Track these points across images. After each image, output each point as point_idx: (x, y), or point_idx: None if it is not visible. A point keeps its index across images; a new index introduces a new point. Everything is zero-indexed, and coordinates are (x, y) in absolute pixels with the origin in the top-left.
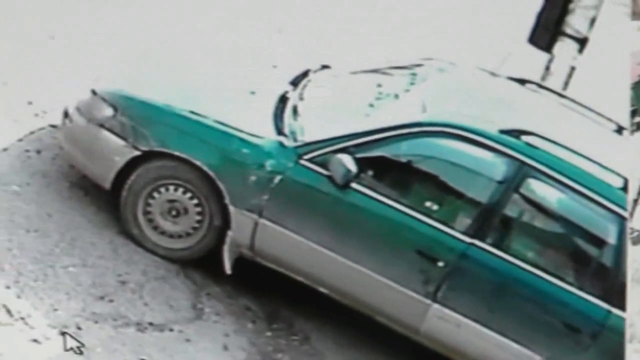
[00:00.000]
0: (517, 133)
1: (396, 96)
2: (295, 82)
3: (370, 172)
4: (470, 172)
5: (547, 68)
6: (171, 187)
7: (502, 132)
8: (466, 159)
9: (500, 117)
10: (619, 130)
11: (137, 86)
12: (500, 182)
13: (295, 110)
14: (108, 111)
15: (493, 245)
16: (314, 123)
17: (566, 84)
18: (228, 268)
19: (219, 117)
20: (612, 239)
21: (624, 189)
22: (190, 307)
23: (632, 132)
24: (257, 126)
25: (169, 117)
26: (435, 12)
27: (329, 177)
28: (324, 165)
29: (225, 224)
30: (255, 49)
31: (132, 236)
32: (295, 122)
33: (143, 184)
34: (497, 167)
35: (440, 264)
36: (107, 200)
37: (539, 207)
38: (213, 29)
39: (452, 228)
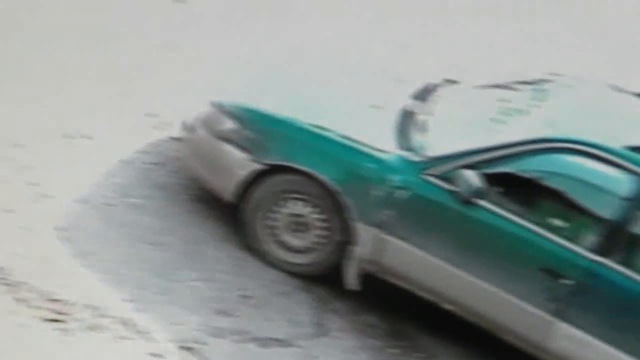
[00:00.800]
0: None
1: (522, 112)
2: (419, 97)
3: (495, 188)
4: (596, 189)
5: None
6: (295, 201)
7: (629, 148)
8: (592, 175)
9: (627, 133)
10: None
11: (260, 99)
12: (626, 199)
13: (420, 125)
14: (231, 124)
15: (619, 262)
16: (439, 138)
17: None
18: (352, 284)
19: (344, 131)
20: None
21: None
22: (313, 323)
23: None
24: (382, 141)
25: (292, 131)
26: (566, 26)
27: (454, 193)
28: (448, 180)
29: (349, 239)
30: (380, 63)
31: (254, 251)
32: (420, 137)
33: (266, 198)
34: (623, 184)
35: (566, 281)
36: (230, 214)
37: None
38: (337, 43)
39: (578, 245)
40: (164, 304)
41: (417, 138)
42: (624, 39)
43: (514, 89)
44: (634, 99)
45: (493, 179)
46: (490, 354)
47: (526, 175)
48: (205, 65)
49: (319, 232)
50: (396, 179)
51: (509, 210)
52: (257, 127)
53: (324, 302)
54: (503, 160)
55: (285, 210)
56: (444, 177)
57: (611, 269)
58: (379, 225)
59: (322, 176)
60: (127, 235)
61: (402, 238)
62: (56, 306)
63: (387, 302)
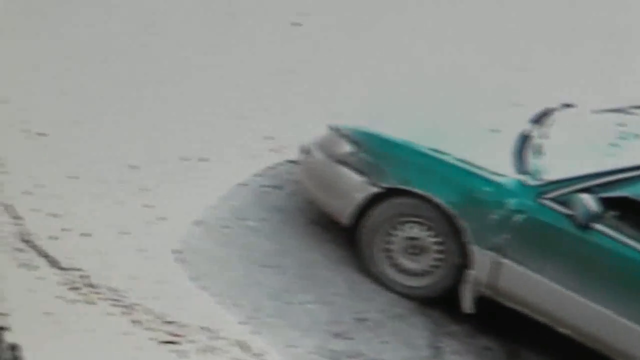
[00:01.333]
0: None
1: (639, 136)
2: (537, 120)
3: (613, 212)
4: None
5: None
6: (411, 225)
7: None
8: None
9: None
10: None
11: (377, 123)
12: None
13: (537, 149)
14: (348, 147)
15: None
16: (556, 162)
17: None
18: (468, 307)
19: (461, 154)
20: None
21: None
22: (429, 346)
23: None
24: (499, 164)
25: (410, 154)
26: None
27: (571, 217)
28: (566, 204)
29: (465, 262)
30: (498, 86)
31: (370, 273)
32: (538, 160)
33: (383, 221)
34: None
35: None
36: (346, 237)
37: None
38: (457, 65)
39: None
40: (279, 326)
41: (534, 162)
42: None
43: (631, 114)
44: None
45: (610, 203)
46: None
47: None
48: (323, 88)
49: (435, 255)
50: (513, 202)
51: (627, 235)
52: (374, 151)
53: (439, 325)
54: (621, 184)
55: (401, 233)
56: (561, 201)
57: None
58: (496, 249)
59: (438, 199)
60: (242, 257)
61: (518, 261)
62: (172, 328)
63: (502, 325)
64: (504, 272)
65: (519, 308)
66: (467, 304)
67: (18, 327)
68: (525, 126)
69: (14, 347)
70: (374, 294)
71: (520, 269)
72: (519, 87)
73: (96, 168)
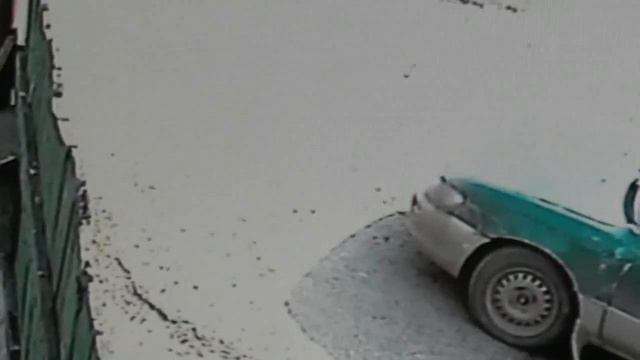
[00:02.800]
0: None
1: None
2: None
3: None
4: None
5: None
6: (520, 275)
7: None
8: None
9: None
10: None
11: (486, 173)
12: None
13: None
14: (458, 198)
15: None
16: None
17: None
18: (577, 357)
19: (569, 204)
20: None
21: None
22: None
23: None
24: (608, 214)
25: (519, 204)
26: None
27: None
28: None
29: (574, 312)
30: (606, 136)
31: (480, 324)
32: None
33: (492, 271)
34: None
35: None
36: (455, 287)
37: None
38: (565, 117)
39: None
40: None
41: None
42: None
43: None
44: None
45: None
46: None
47: None
48: (434, 139)
49: (544, 305)
50: (621, 251)
51: None
52: (483, 201)
53: None
54: None
55: (511, 284)
56: None
57: None
58: (604, 298)
59: (547, 249)
60: (353, 308)
61: (627, 311)
62: None
63: None
64: (612, 321)
65: (627, 357)
66: (576, 353)
67: None
68: (635, 175)
69: None
70: (484, 344)
71: (629, 317)
72: (629, 137)
73: (206, 221)
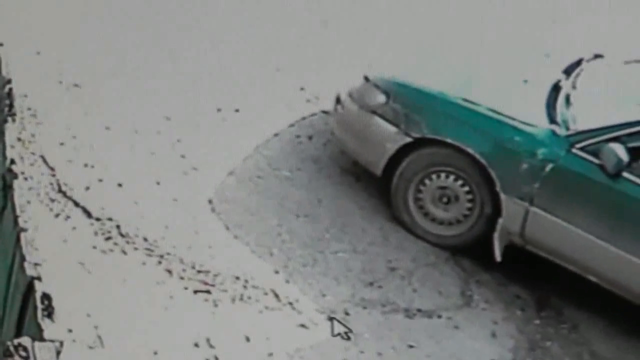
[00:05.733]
0: None
1: None
2: (568, 71)
3: None
4: None
5: None
6: (442, 175)
7: None
8: None
9: None
10: None
11: (409, 73)
12: None
13: (568, 99)
14: (381, 98)
15: None
16: (587, 112)
17: None
18: (498, 255)
19: (492, 105)
20: None
21: None
22: (459, 294)
23: None
24: (530, 114)
25: (442, 104)
26: None
27: (601, 166)
28: (595, 154)
29: (496, 211)
30: (529, 37)
31: (402, 223)
32: (568, 110)
33: (414, 171)
34: None
35: None
36: (378, 186)
37: None
38: (487, 19)
39: None
40: (312, 275)
41: (565, 112)
42: None
43: None
44: None
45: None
46: (635, 324)
47: None
48: (359, 39)
49: (466, 204)
50: (543, 152)
51: None
52: (407, 101)
53: (469, 274)
54: None
55: (433, 184)
56: (591, 151)
57: None
58: (526, 198)
59: (470, 149)
60: (276, 207)
61: (548, 211)
62: (204, 277)
63: (532, 273)
64: (534, 221)
65: (548, 256)
66: (498, 252)
67: (51, 276)
68: (557, 77)
69: (46, 297)
70: (407, 243)
71: (550, 217)
72: (551, 39)
73: (130, 119)
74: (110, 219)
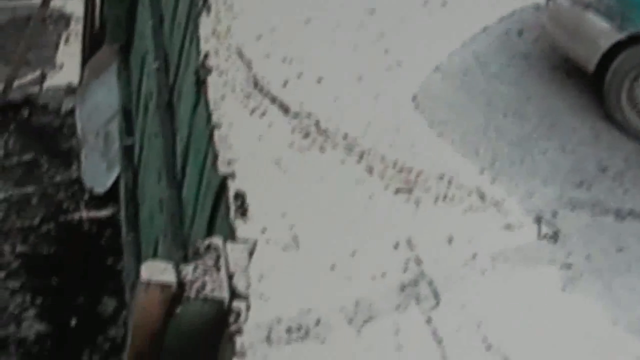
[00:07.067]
0: None
1: None
2: None
3: None
4: None
5: None
6: None
7: None
8: None
9: None
10: None
11: None
12: None
13: None
14: None
15: None
16: None
17: None
18: None
19: None
20: None
21: None
22: None
23: None
24: None
25: None
26: None
27: None
28: None
29: None
30: None
31: (615, 122)
32: None
33: (628, 69)
34: None
35: None
36: (590, 84)
37: None
38: None
39: None
40: (519, 174)
41: None
42: None
43: None
44: None
45: None
46: None
47: None
48: None
49: None
50: None
51: None
52: None
53: None
54: None
55: None
56: None
57: None
58: None
59: None
60: (482, 104)
61: None
62: (407, 176)
63: None
64: None
65: None
66: None
67: (245, 175)
68: None
69: (239, 195)
70: (618, 142)
71: None
72: None
73: (332, 12)
74: (309, 115)
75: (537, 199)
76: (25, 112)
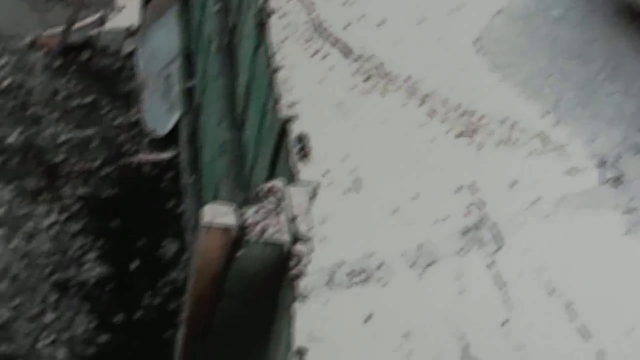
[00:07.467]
0: None
1: None
2: None
3: None
4: None
5: None
6: None
7: None
8: None
9: None
10: None
11: None
12: None
13: None
14: None
15: None
16: None
17: None
18: None
19: None
20: None
21: None
22: None
23: None
24: None
25: None
26: None
27: None
28: None
29: None
30: None
31: None
32: None
33: None
34: None
35: None
36: None
37: None
38: None
39: None
40: (582, 118)
41: None
42: None
43: None
44: None
45: None
46: None
47: None
48: None
49: None
50: None
51: None
52: None
53: None
54: None
55: None
56: None
57: None
58: None
59: None
60: (546, 47)
61: None
62: (470, 119)
63: None
64: None
65: None
66: None
67: (307, 117)
68: None
69: (301, 138)
70: None
71: None
72: None
73: None
74: (370, 58)
75: (601, 142)
76: (85, 55)
